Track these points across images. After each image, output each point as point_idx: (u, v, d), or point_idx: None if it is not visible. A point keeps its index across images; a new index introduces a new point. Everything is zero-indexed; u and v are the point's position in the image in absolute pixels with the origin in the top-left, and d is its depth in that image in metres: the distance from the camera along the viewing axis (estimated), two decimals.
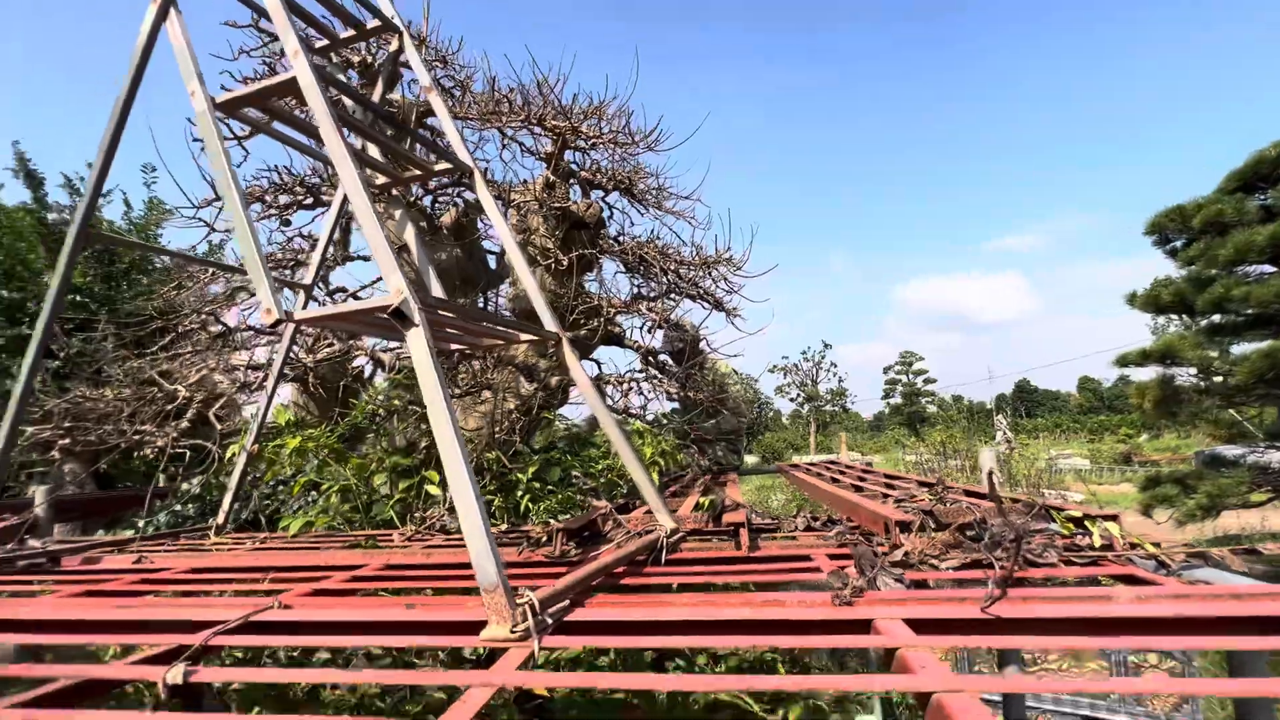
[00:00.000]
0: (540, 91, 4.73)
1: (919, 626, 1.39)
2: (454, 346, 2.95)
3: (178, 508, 4.05)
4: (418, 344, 1.78)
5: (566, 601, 1.62)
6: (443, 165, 3.06)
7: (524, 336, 2.74)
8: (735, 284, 4.98)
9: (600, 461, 3.64)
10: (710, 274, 4.90)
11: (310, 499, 3.95)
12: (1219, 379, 11.36)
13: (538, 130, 4.94)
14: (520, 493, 3.44)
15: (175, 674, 1.22)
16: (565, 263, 4.21)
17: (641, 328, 6.25)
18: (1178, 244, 12.41)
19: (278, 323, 2.03)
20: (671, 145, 4.78)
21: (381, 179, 3.13)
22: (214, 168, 2.22)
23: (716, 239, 4.64)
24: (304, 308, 3.50)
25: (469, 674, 1.20)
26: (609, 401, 4.80)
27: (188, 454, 3.78)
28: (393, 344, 5.61)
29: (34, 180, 12.13)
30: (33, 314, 10.92)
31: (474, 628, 1.48)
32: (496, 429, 3.59)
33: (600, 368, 5.66)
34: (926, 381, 70.90)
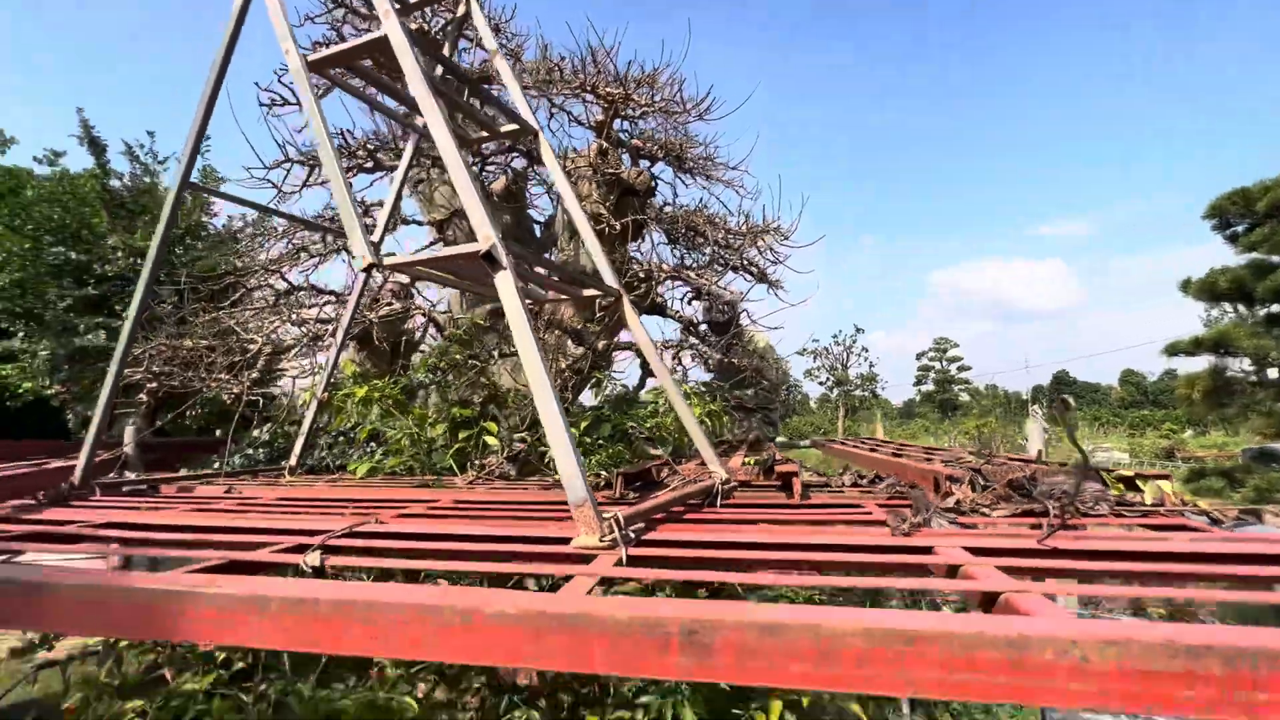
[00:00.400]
0: (594, 59, 4.79)
1: (978, 553, 1.48)
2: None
3: (249, 452, 4.33)
4: (506, 285, 1.91)
5: (641, 525, 1.76)
6: (509, 126, 3.18)
7: (588, 291, 2.86)
8: (781, 254, 5.03)
9: (648, 420, 3.78)
10: (756, 244, 4.95)
11: (370, 449, 4.18)
12: (1275, 371, 10.97)
13: (589, 98, 5.01)
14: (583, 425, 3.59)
15: (313, 558, 1.40)
16: (617, 228, 4.31)
17: (683, 299, 6.35)
18: (1239, 229, 11.91)
19: (370, 267, 2.18)
20: (722, 115, 4.82)
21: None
22: (310, 120, 2.37)
23: (765, 209, 4.69)
24: (362, 289, 3.69)
25: (571, 566, 1.34)
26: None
27: (261, 400, 4.04)
28: (442, 309, 5.82)
29: (97, 147, 12.67)
30: (98, 275, 11.52)
31: (561, 542, 1.63)
32: (553, 384, 3.74)
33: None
34: (960, 369, 69.48)
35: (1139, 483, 2.16)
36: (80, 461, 2.80)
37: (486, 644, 1.02)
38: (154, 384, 3.96)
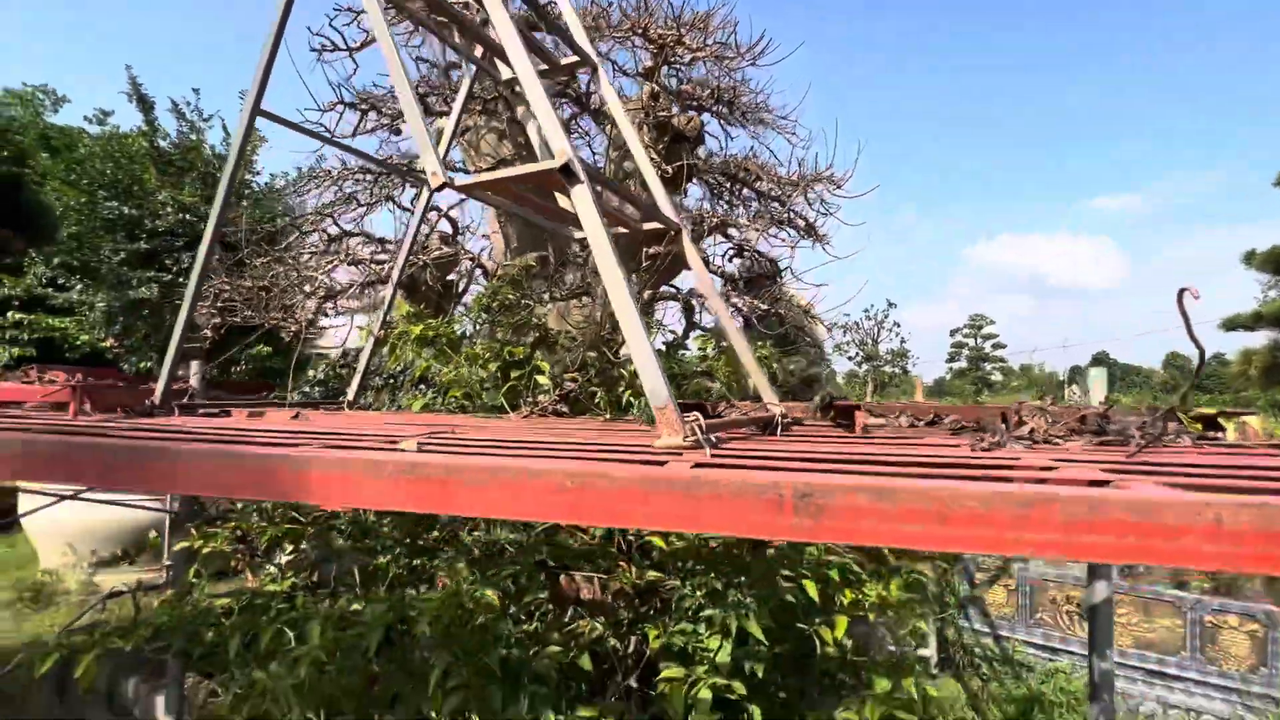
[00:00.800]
0: (644, 2, 4.69)
1: (1061, 466, 1.46)
2: (578, 235, 3.11)
3: (305, 389, 4.48)
4: (584, 199, 1.92)
5: (714, 436, 1.78)
6: (569, 59, 3.15)
7: (648, 225, 2.85)
8: (832, 205, 4.92)
9: (697, 365, 3.79)
10: (806, 194, 4.85)
11: (421, 390, 4.29)
12: None
13: (638, 43, 4.91)
14: (622, 388, 3.63)
15: (409, 444, 1.45)
16: (669, 172, 4.27)
17: (724, 255, 6.28)
18: None
19: (441, 186, 2.21)
20: (775, 60, 4.68)
21: (508, 73, 3.24)
22: (383, 48, 2.38)
23: (817, 157, 4.58)
24: (424, 210, 3.73)
25: (663, 455, 1.37)
26: (696, 319, 4.93)
27: (319, 334, 4.19)
28: (497, 255, 5.86)
29: (145, 104, 12.95)
30: (149, 230, 11.87)
31: (642, 450, 1.66)
32: (601, 330, 3.78)
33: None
34: (995, 346, 67.77)
35: (1221, 420, 2.10)
36: (160, 382, 2.93)
37: (597, 506, 1.06)
38: (217, 319, 4.13)
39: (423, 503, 1.11)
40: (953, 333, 69.95)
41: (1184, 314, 1.03)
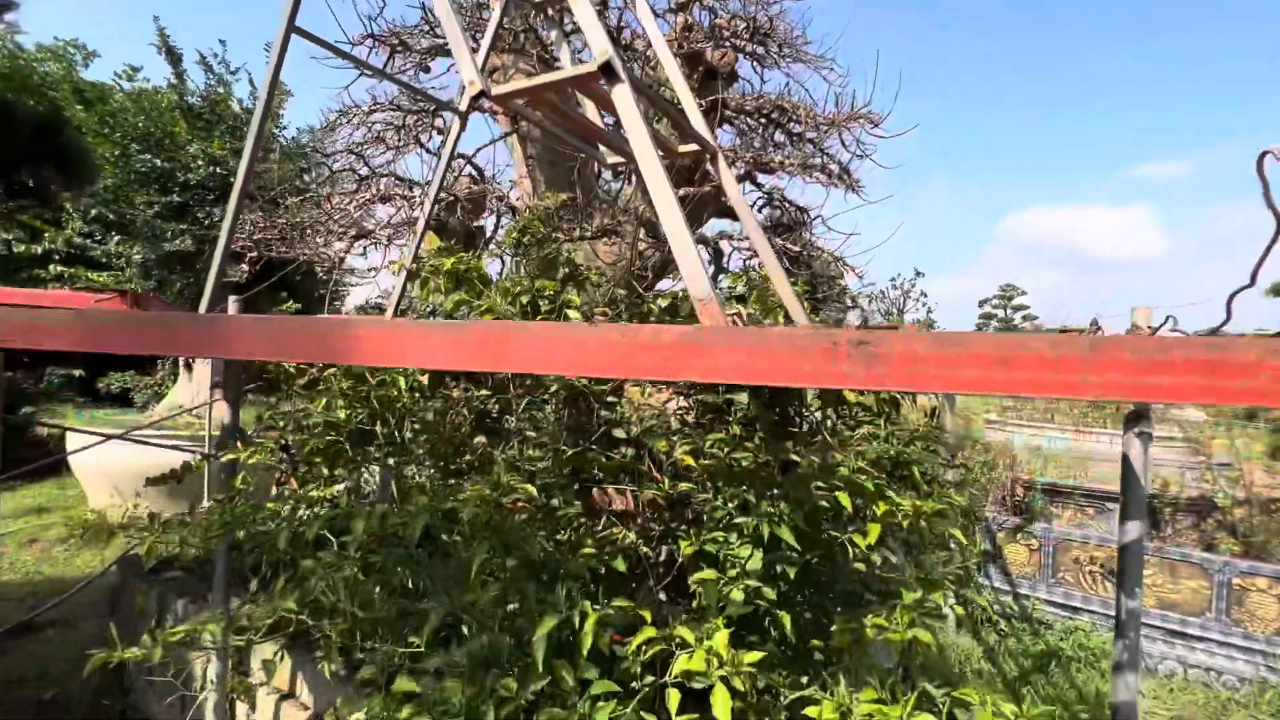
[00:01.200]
0: None
1: None
2: (610, 159, 3.07)
3: None
4: (625, 98, 1.88)
5: None
6: None
7: (684, 147, 2.80)
8: (868, 146, 4.77)
9: (728, 293, 3.77)
10: (842, 134, 4.70)
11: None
12: None
13: None
14: (653, 320, 3.62)
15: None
16: (703, 105, 4.16)
17: (753, 205, 6.16)
18: None
19: (480, 95, 2.18)
20: None
21: None
22: None
23: (854, 95, 4.41)
24: (459, 133, 3.70)
25: None
26: (725, 262, 4.87)
27: (355, 267, 4.25)
28: (524, 197, 5.83)
29: (173, 56, 12.98)
30: (181, 183, 12.04)
31: None
32: (631, 266, 3.77)
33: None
34: (1026, 318, 66.20)
35: None
36: (203, 303, 3.00)
37: (651, 360, 1.06)
38: (254, 253, 4.21)
39: (475, 359, 1.13)
40: (981, 303, 68.44)
41: (1263, 179, 0.97)
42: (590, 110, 3.24)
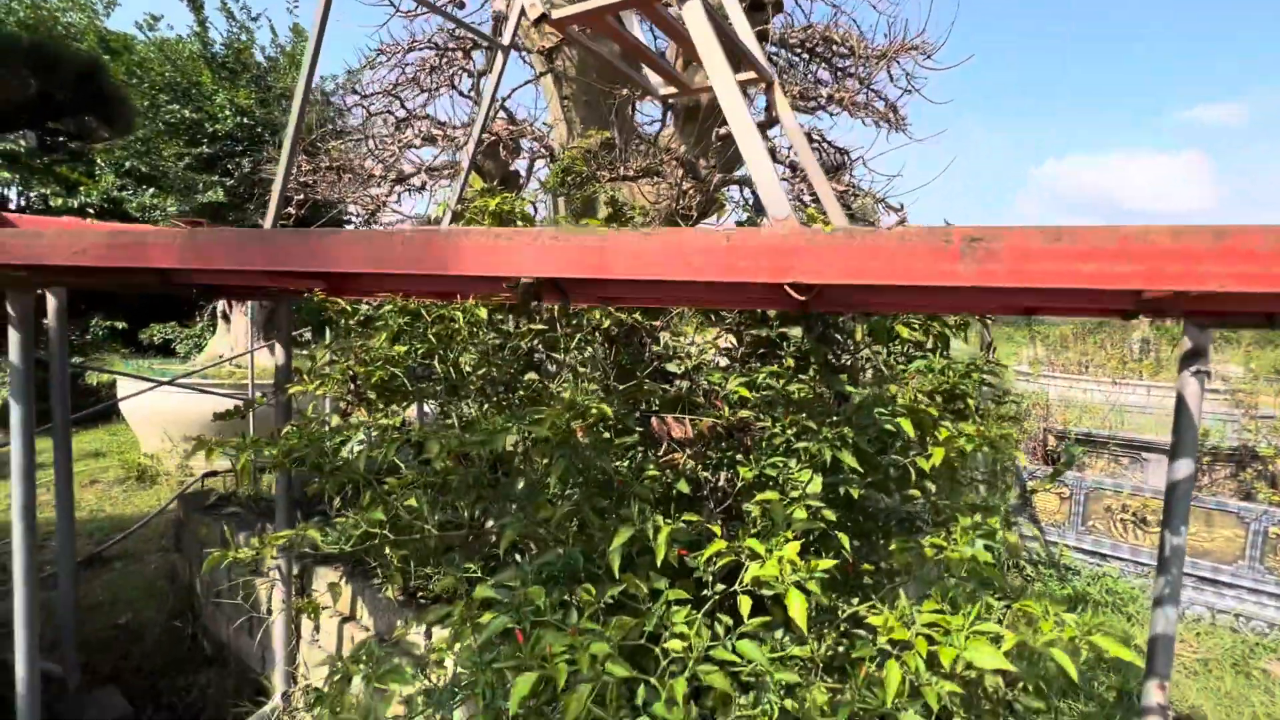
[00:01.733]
0: None
1: None
2: (663, 91, 3.01)
3: None
4: (696, 13, 1.83)
5: None
6: None
7: (740, 76, 2.73)
8: (917, 81, 4.58)
9: None
10: (890, 68, 4.52)
11: None
12: None
13: None
14: None
15: None
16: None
17: (790, 148, 6.00)
18: None
19: (540, 19, 2.14)
20: None
21: None
22: None
23: (906, 24, 4.20)
24: (503, 67, 3.65)
25: None
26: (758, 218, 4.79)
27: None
28: (560, 140, 5.76)
29: (195, 3, 12.79)
30: (210, 134, 12.05)
31: None
32: (675, 205, 3.73)
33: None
34: None
35: None
36: (270, 207, 3.04)
37: (758, 260, 1.07)
38: (300, 196, 4.26)
39: (578, 266, 1.15)
40: None
41: None
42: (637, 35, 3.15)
